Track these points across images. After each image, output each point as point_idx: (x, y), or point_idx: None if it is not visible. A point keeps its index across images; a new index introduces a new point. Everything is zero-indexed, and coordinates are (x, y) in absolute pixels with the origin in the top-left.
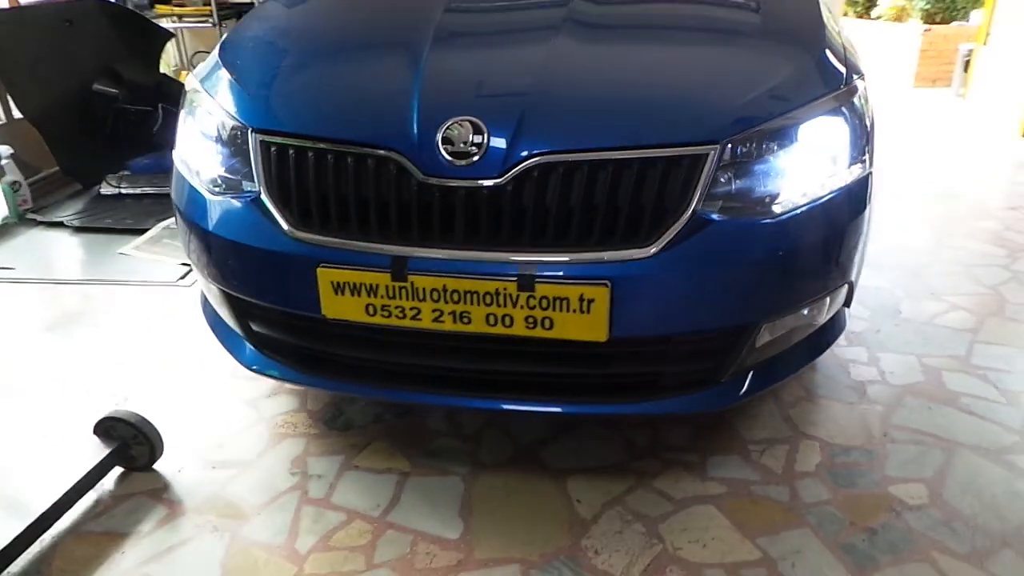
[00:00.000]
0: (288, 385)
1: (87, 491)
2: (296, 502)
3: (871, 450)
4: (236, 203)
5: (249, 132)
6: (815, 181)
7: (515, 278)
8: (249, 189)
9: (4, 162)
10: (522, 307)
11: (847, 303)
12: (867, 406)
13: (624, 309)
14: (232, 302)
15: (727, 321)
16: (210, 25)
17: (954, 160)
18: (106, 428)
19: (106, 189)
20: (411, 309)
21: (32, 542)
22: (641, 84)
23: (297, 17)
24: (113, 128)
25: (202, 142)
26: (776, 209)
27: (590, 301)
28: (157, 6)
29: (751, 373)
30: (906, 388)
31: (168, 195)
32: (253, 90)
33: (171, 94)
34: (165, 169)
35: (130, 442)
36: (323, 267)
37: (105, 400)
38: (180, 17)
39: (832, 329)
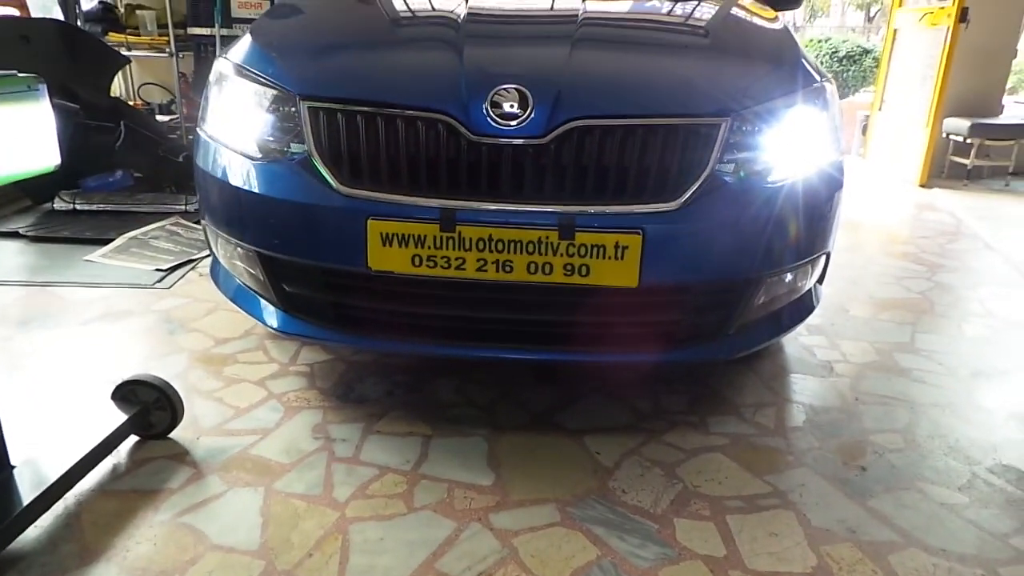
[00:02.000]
0: (294, 367)
1: (106, 455)
2: (325, 461)
3: (847, 410)
4: (283, 166)
5: (298, 100)
6: (803, 156)
7: (556, 227)
8: (297, 151)
9: None
10: (561, 255)
11: (820, 280)
12: (836, 378)
13: (653, 256)
14: (266, 264)
15: (736, 272)
16: (166, 55)
17: (868, 204)
18: (125, 393)
19: (60, 204)
20: (456, 259)
21: (53, 502)
22: (663, 72)
23: (328, 6)
24: (71, 143)
25: (242, 113)
26: (775, 176)
27: (624, 248)
28: (111, 34)
29: (751, 329)
30: (866, 365)
31: (125, 212)
32: (301, 63)
33: (128, 114)
34: (119, 187)
35: (151, 407)
36: (373, 219)
37: (102, 385)
38: (130, 47)
39: (811, 299)
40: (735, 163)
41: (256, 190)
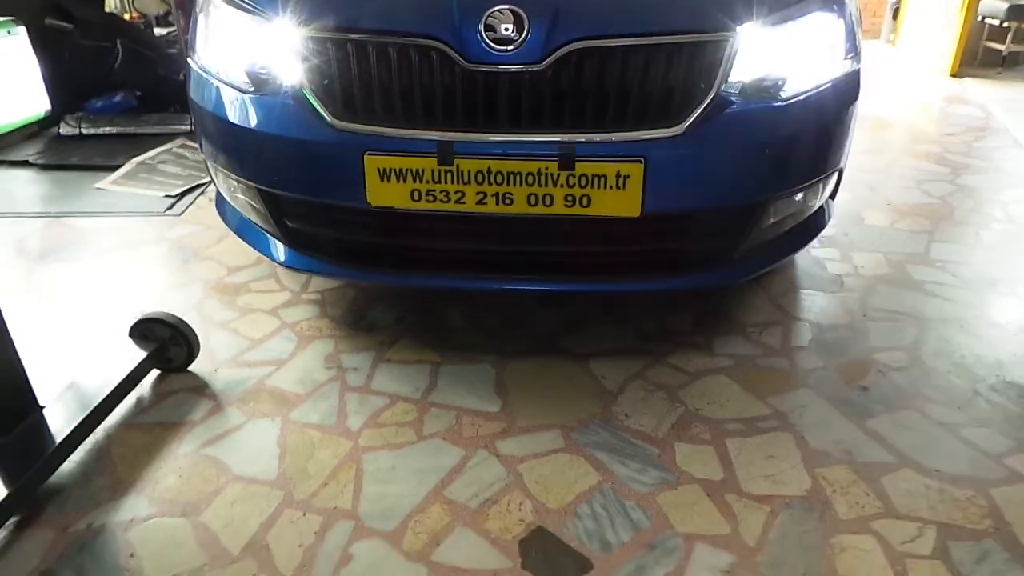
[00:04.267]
0: (305, 295)
1: (130, 391)
2: (338, 390)
3: (854, 327)
4: (275, 98)
5: (288, 28)
6: (817, 69)
7: (556, 157)
8: (288, 84)
9: None
10: (562, 186)
11: (833, 195)
12: (845, 293)
13: (656, 184)
14: (268, 199)
15: (743, 196)
16: None
17: (893, 97)
18: (142, 330)
19: (65, 130)
20: (455, 193)
21: (84, 438)
22: None
23: None
24: (68, 67)
25: (230, 42)
26: (785, 93)
27: (626, 177)
28: None
29: (758, 252)
30: (877, 278)
31: (131, 135)
32: None
33: (126, 30)
34: (122, 109)
35: (168, 343)
36: (369, 154)
37: (119, 316)
38: None
39: (821, 216)
40: (743, 81)
41: (249, 125)
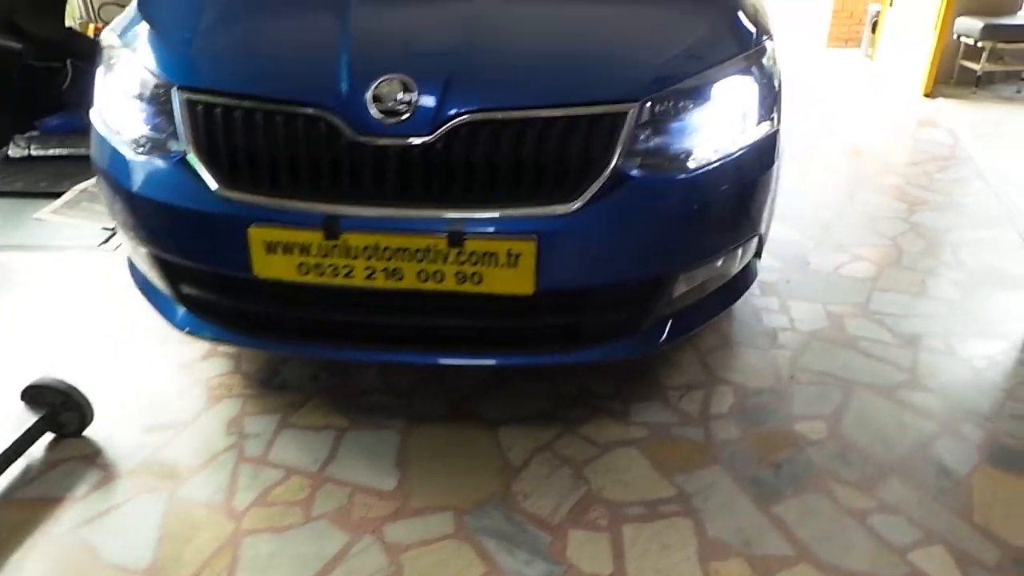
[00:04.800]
0: (222, 347)
1: (16, 458)
2: (233, 461)
3: (778, 391)
4: (162, 163)
5: (174, 90)
6: (727, 138)
7: (445, 234)
8: (176, 149)
9: None
10: (452, 263)
11: (757, 254)
12: (777, 351)
13: (550, 262)
14: (161, 264)
15: (646, 272)
16: None
17: (862, 119)
18: (33, 395)
19: (14, 151)
20: (344, 267)
21: None
22: (564, 45)
23: None
24: (19, 86)
25: (123, 100)
26: (691, 165)
27: (517, 255)
28: None
29: (669, 322)
30: (812, 334)
31: (82, 156)
32: (177, 45)
33: (80, 49)
34: (76, 129)
35: (59, 409)
36: (255, 227)
37: (31, 367)
38: None
39: (744, 279)
40: (645, 152)
41: (138, 189)
